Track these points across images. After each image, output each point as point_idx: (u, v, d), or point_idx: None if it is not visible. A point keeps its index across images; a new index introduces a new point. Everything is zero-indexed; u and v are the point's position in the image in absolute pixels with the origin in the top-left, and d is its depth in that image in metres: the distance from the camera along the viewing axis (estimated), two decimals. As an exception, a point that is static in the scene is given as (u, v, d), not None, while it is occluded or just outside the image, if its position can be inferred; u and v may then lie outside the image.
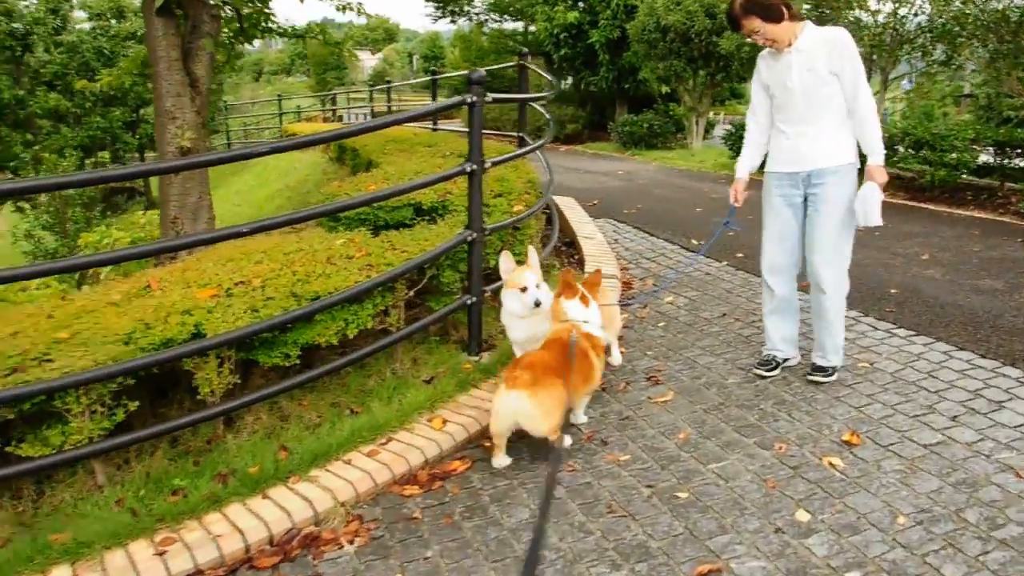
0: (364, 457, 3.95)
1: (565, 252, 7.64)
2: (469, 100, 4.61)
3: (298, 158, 17.36)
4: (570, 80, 23.69)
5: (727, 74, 17.13)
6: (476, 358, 4.96)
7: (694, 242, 8.07)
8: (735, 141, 14.36)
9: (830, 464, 3.59)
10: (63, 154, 17.64)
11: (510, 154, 5.37)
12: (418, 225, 5.65)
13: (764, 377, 4.58)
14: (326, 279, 4.35)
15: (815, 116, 4.06)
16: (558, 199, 9.30)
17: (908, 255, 7.25)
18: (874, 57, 13.03)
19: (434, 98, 7.99)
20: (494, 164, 5.04)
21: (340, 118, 24.69)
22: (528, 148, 5.68)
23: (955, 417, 3.96)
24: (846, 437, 3.79)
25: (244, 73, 46.38)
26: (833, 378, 4.43)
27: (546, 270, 6.83)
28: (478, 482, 3.74)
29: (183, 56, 6.47)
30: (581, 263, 7.09)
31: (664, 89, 18.71)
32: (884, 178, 4.01)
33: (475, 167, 4.73)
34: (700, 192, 11.65)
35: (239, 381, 4.06)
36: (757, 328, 5.38)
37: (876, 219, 4.01)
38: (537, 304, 4.20)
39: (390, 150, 9.03)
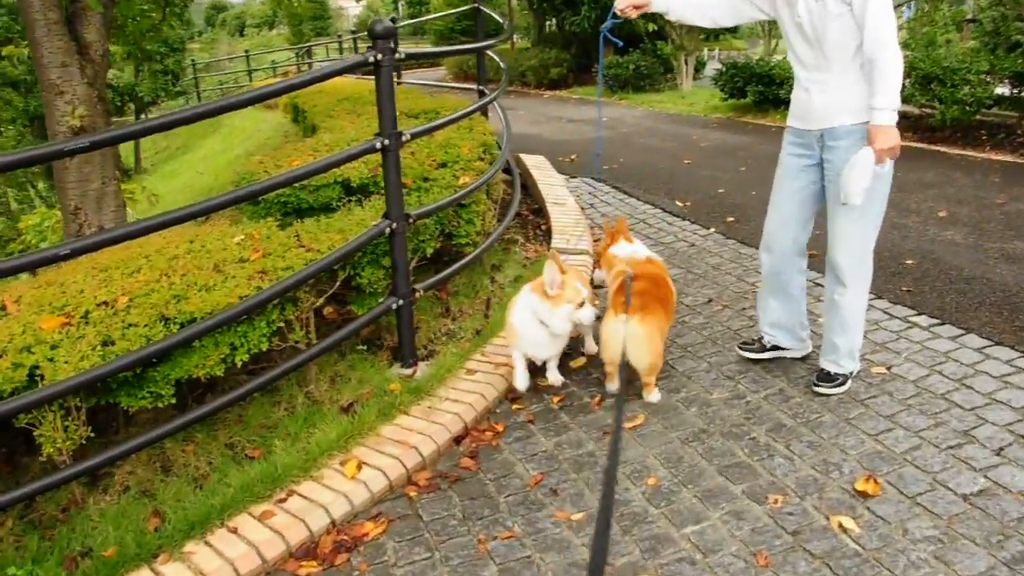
0: (254, 521, 3.14)
1: (532, 222, 6.72)
2: (372, 59, 3.67)
3: (263, 119, 16.38)
4: (553, 22, 22.42)
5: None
6: (409, 371, 4.10)
7: (678, 204, 7.14)
8: (726, 81, 13.30)
9: (840, 528, 2.75)
10: (13, 124, 16.60)
11: (436, 122, 4.42)
12: (343, 209, 4.75)
13: (748, 359, 3.91)
14: (207, 294, 3.49)
15: (828, 61, 3.29)
16: (528, 158, 8.36)
17: (923, 212, 6.33)
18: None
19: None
20: (415, 136, 4.11)
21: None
22: (462, 113, 4.71)
23: (1001, 450, 3.10)
24: (860, 484, 2.93)
25: (223, 28, 44.62)
26: (843, 388, 3.64)
27: (507, 245, 5.94)
28: (392, 553, 2.92)
29: (67, 18, 5.48)
30: (549, 235, 6.18)
31: (651, 27, 17.49)
32: (888, 143, 3.19)
33: (387, 142, 3.82)
34: (689, 140, 10.66)
35: (92, 435, 3.21)
36: (750, 319, 4.50)
37: (855, 197, 3.23)
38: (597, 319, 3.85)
39: (338, 111, 8.06)
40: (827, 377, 3.64)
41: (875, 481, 2.92)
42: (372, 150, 3.83)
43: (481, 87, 7.40)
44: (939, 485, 2.90)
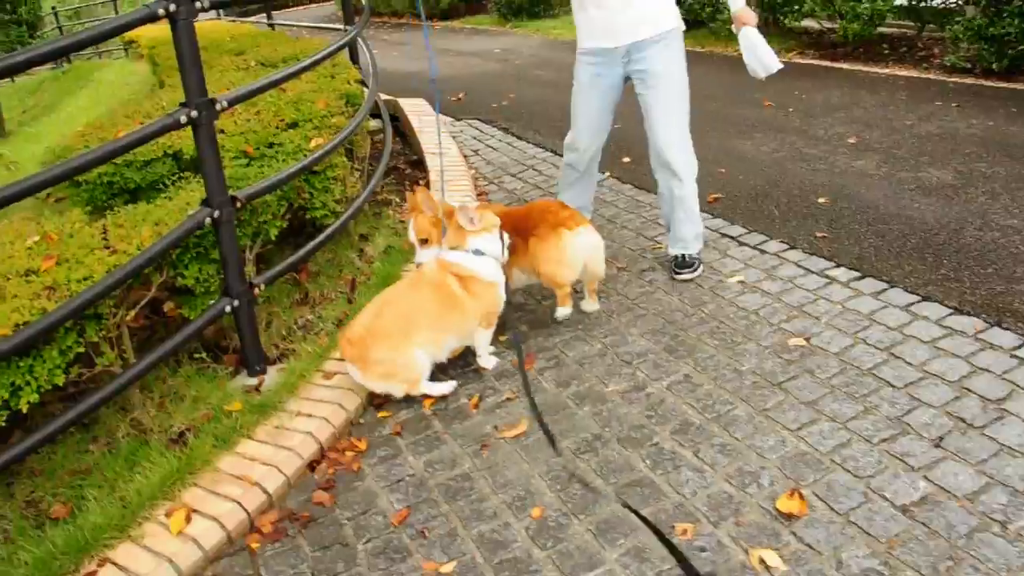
0: (47, 612, 2.48)
1: (410, 176, 6.02)
2: (163, 10, 2.90)
3: (132, 71, 15.01)
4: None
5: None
6: (254, 381, 3.43)
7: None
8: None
9: (762, 564, 2.24)
10: None
11: (260, 82, 3.64)
12: (171, 188, 3.99)
13: None
14: (-28, 321, 2.75)
15: None
16: (406, 102, 7.59)
17: (832, 139, 5.87)
18: None
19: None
20: (234, 102, 3.37)
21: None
22: (303, 64, 3.93)
23: (940, 440, 2.63)
24: (784, 502, 2.43)
25: None
26: (699, 272, 3.91)
27: (379, 209, 5.25)
28: (221, 639, 2.29)
29: None
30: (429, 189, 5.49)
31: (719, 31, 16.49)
32: (755, 18, 3.69)
33: (195, 113, 3.07)
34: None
35: None
36: (649, 283, 3.95)
37: (775, 62, 3.64)
38: None
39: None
40: (685, 265, 3.88)
41: (800, 496, 2.42)
42: (176, 126, 3.08)
43: (347, 25, 6.59)
44: (874, 494, 2.41)
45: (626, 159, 5.92)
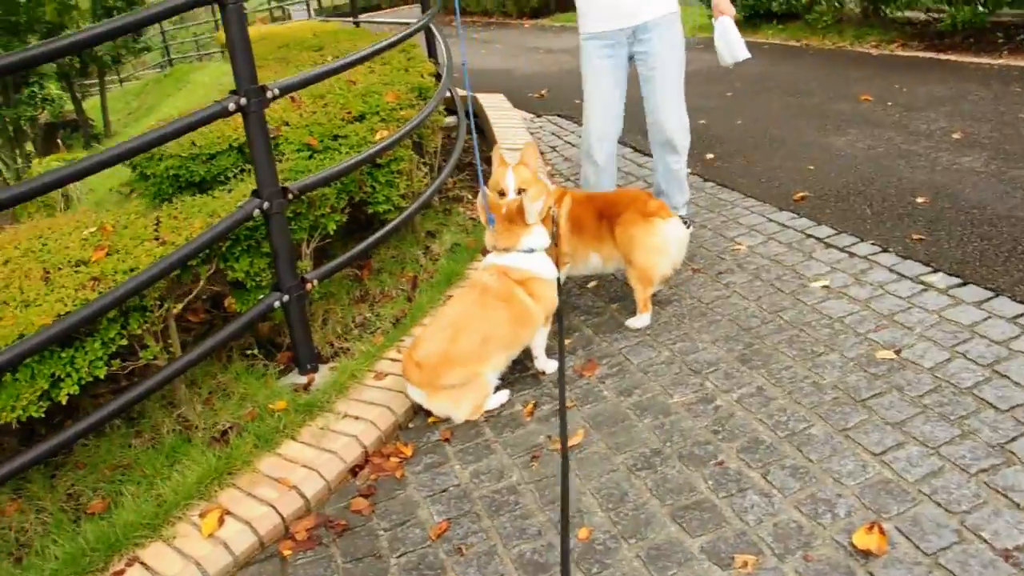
0: (72, 612, 2.41)
1: (486, 172, 5.83)
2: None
3: (224, 72, 15.38)
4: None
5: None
6: (304, 380, 3.32)
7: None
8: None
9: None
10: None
11: (316, 71, 3.53)
12: (233, 181, 3.93)
13: None
14: (21, 312, 2.73)
15: None
16: (486, 97, 7.45)
17: (934, 134, 5.42)
18: None
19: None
20: (287, 91, 3.27)
21: (289, 16, 22.49)
22: (355, 57, 3.79)
23: (1052, 475, 2.29)
24: (861, 537, 2.14)
25: None
26: (690, 229, 3.98)
27: (449, 205, 5.11)
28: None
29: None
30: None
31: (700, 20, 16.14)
32: (733, 11, 3.94)
33: (244, 100, 2.99)
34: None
35: None
36: (726, 286, 3.68)
37: (743, 51, 3.88)
38: None
39: (270, 61, 7.13)
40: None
41: (881, 530, 2.13)
42: (224, 113, 2.99)
43: (426, 22, 6.46)
44: (969, 533, 2.11)
45: (710, 155, 5.62)
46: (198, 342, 3.07)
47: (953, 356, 2.86)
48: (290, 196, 3.21)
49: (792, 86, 7.57)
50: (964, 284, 3.32)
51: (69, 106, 21.60)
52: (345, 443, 2.95)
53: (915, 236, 3.83)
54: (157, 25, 22.49)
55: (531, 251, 3.16)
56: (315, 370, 3.38)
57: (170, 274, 2.93)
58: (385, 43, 4.15)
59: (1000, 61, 7.52)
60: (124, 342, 2.88)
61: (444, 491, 2.69)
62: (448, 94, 5.52)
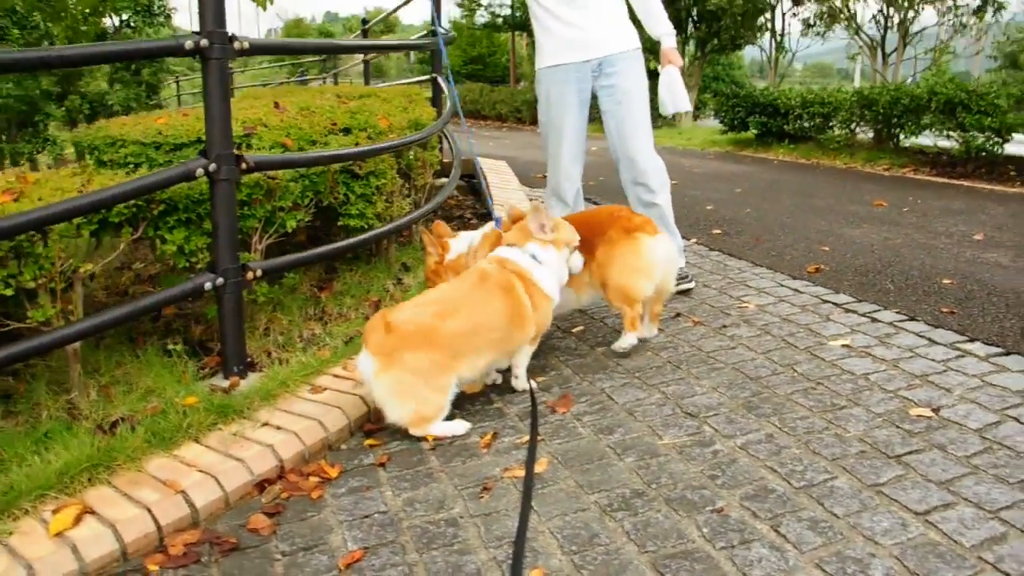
0: None
1: (474, 226, 5.44)
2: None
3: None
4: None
5: (719, 38, 14.89)
6: (225, 384, 2.79)
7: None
8: (727, 111, 12.18)
9: None
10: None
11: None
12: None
13: None
14: None
15: None
16: (487, 161, 7.18)
17: (955, 234, 5.07)
18: (891, 11, 10.86)
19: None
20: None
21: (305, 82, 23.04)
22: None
23: None
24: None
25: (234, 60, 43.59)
26: (692, 285, 3.90)
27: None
28: None
29: None
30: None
31: (651, 65, 16.47)
32: (680, 60, 3.80)
33: (205, 42, 2.61)
34: (681, 169, 9.44)
35: None
36: (730, 338, 3.21)
37: (685, 103, 3.76)
38: None
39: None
40: (679, 278, 3.68)
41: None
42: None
43: (435, 74, 6.23)
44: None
45: (716, 231, 5.24)
46: (102, 312, 2.55)
47: (1003, 419, 2.36)
48: (244, 166, 2.77)
49: (803, 190, 7.31)
50: (1007, 354, 2.85)
51: (70, 150, 21.48)
52: (257, 452, 2.41)
53: (944, 309, 3.39)
54: (175, 86, 22.67)
55: (534, 258, 2.75)
56: (243, 375, 2.86)
57: (76, 216, 2.45)
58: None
59: (1015, 189, 7.29)
60: (9, 292, 2.38)
61: (366, 517, 2.14)
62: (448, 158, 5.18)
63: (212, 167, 2.66)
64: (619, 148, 3.69)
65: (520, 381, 2.83)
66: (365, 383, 2.54)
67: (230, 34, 2.70)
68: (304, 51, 19.92)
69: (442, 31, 5.64)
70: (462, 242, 3.21)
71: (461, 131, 3.15)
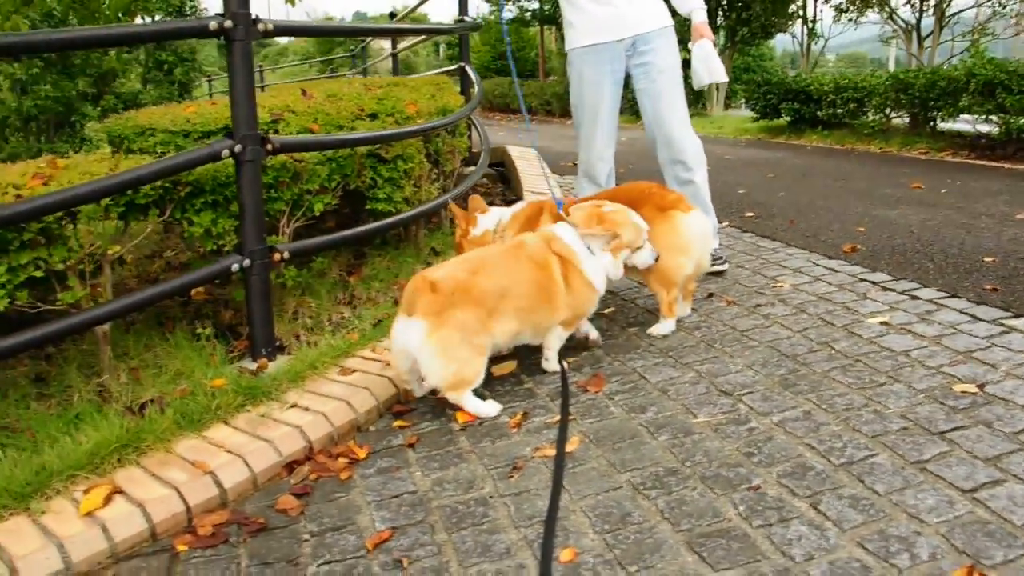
0: None
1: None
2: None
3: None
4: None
5: (749, 26, 14.70)
6: (254, 366, 2.78)
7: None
8: (759, 98, 12.02)
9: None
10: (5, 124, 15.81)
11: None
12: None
13: None
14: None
15: None
16: (515, 149, 7.13)
17: (996, 215, 4.93)
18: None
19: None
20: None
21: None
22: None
23: None
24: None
25: (264, 60, 43.93)
26: (726, 267, 3.81)
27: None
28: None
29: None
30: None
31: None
32: (712, 35, 3.65)
33: (240, 148, 2.64)
34: (712, 155, 9.26)
35: None
36: (765, 317, 3.14)
37: (722, 73, 3.62)
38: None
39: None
40: (715, 259, 3.65)
41: (981, 577, 1.52)
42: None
43: (463, 63, 6.18)
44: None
45: (749, 214, 5.16)
46: (130, 293, 2.55)
47: (1055, 395, 2.27)
48: (269, 147, 2.75)
49: (837, 175, 7.17)
50: (1057, 330, 2.76)
51: (106, 148, 21.83)
52: (285, 433, 2.39)
53: (987, 286, 3.29)
54: (207, 85, 22.89)
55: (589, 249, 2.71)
56: (271, 357, 2.84)
57: (103, 198, 2.45)
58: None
59: (1060, 169, 7.09)
60: (39, 274, 2.38)
61: (395, 497, 2.11)
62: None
63: (238, 148, 2.65)
64: (655, 126, 3.63)
65: (551, 363, 2.78)
66: (407, 348, 2.45)
67: (254, 16, 2.68)
68: (328, 34, 19.94)
69: (468, 20, 5.64)
70: (491, 217, 3.19)
71: (526, 128, 3.16)
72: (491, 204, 5.66)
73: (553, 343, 2.75)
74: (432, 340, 2.38)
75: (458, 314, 2.40)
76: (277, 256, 2.84)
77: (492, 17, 28.52)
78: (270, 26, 2.75)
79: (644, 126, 3.67)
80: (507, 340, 2.61)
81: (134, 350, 2.85)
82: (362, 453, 2.38)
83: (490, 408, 2.54)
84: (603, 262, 2.72)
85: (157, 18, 15.65)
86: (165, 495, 2.08)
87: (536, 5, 24.72)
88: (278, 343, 2.96)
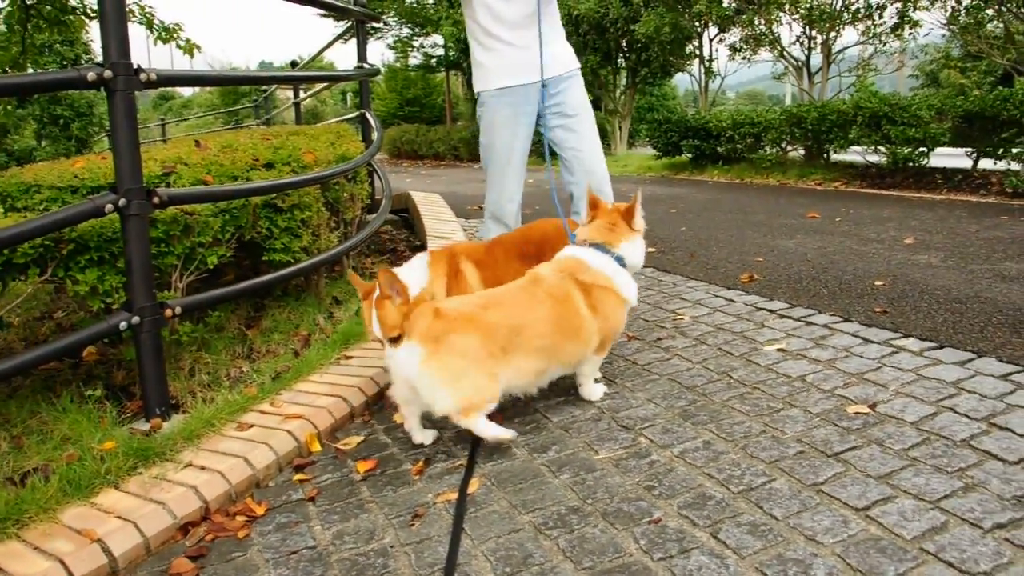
0: None
1: (407, 258, 5.37)
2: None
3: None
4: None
5: (648, 67, 15.16)
6: (147, 427, 2.66)
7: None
8: (660, 136, 12.34)
9: None
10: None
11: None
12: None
13: None
14: None
15: (543, 17, 3.44)
16: (418, 194, 7.11)
17: (885, 240, 5.14)
18: (813, 32, 11.14)
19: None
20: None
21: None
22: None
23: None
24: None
25: (168, 112, 42.95)
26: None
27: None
28: None
29: None
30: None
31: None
32: None
33: (109, 73, 2.51)
34: (615, 192, 9.42)
35: None
36: (666, 351, 3.17)
37: None
38: None
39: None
40: None
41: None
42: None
43: (364, 111, 6.16)
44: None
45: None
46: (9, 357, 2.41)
47: (939, 410, 2.35)
48: (156, 200, 2.66)
49: (736, 208, 7.39)
50: (941, 347, 2.87)
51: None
52: (179, 495, 2.28)
53: (877, 309, 3.41)
54: (104, 134, 22.37)
55: (620, 259, 2.67)
56: (166, 417, 2.73)
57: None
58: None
59: (942, 196, 7.47)
60: None
61: (294, 553, 2.03)
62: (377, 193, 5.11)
63: (122, 202, 2.55)
64: (577, 160, 3.59)
65: (584, 389, 2.75)
66: (404, 377, 2.39)
67: (136, 65, 2.61)
68: (219, 83, 19.66)
69: (367, 66, 5.64)
70: (413, 275, 2.99)
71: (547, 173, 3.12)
72: (395, 250, 5.65)
73: (588, 371, 2.70)
74: (432, 365, 2.32)
75: (459, 340, 2.33)
76: (169, 312, 2.74)
77: (398, 64, 28.59)
78: (153, 76, 2.68)
79: (561, 162, 3.65)
80: (534, 380, 2.52)
81: (16, 416, 2.70)
82: (260, 510, 2.29)
83: (505, 432, 2.41)
84: (639, 249, 2.75)
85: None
86: (47, 568, 1.96)
87: (441, 52, 24.90)
88: (173, 401, 2.85)
